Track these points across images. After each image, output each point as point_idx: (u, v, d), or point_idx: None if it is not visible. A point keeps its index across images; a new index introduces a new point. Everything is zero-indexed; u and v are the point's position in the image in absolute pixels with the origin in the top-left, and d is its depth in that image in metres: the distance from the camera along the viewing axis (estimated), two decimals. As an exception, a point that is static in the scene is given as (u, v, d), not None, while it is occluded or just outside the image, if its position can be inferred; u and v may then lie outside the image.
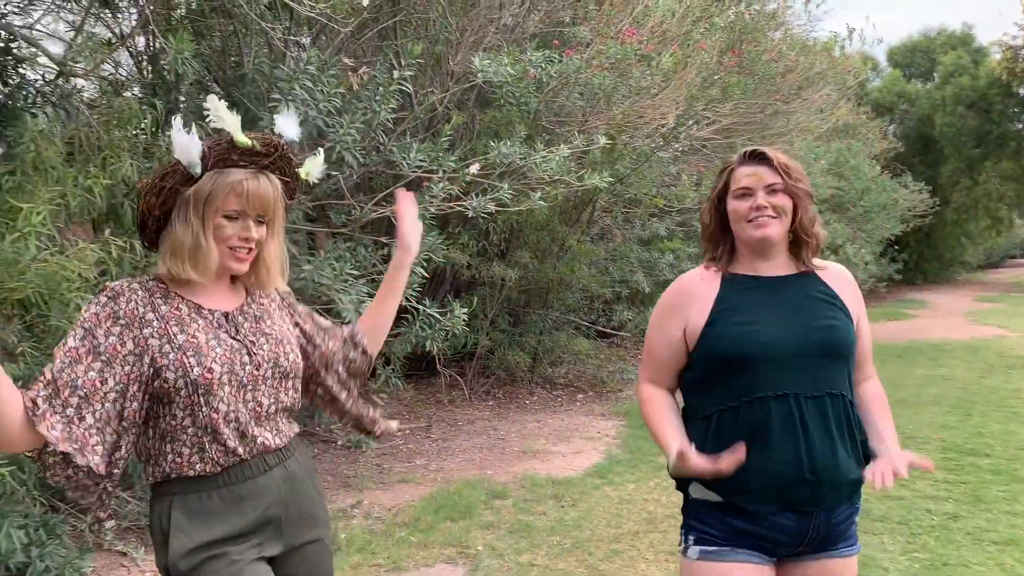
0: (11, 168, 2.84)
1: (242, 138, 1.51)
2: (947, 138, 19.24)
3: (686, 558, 1.76)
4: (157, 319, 1.50)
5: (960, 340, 10.53)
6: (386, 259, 5.14)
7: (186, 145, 1.50)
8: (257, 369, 1.56)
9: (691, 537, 1.76)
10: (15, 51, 4.14)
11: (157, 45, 4.96)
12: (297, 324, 1.73)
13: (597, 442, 5.69)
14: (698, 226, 6.87)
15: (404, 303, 4.93)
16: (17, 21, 4.33)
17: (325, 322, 1.81)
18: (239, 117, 1.54)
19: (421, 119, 6.03)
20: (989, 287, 20.87)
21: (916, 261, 19.90)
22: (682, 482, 1.80)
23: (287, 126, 1.64)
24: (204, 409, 1.50)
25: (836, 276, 1.83)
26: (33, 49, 4.08)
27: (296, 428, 1.69)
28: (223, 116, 1.52)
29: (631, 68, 6.20)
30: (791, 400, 1.67)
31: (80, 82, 4.67)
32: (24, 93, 4.15)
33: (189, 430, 1.51)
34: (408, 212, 1.85)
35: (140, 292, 1.52)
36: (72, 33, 4.51)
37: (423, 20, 6.23)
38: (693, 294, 1.79)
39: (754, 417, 1.68)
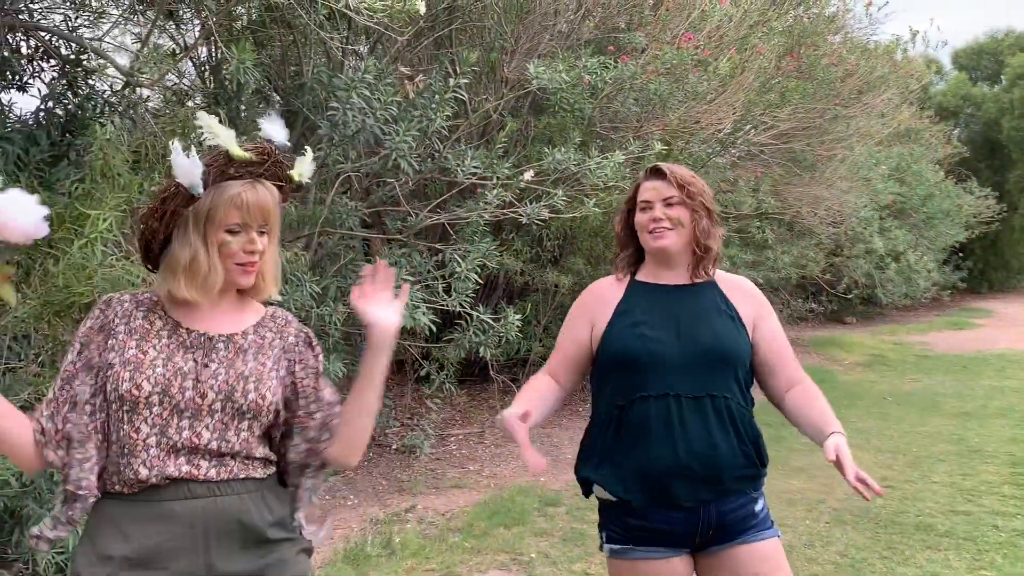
0: (80, 176, 2.93)
1: (239, 152, 1.48)
2: (1015, 142, 18.65)
3: (604, 555, 1.90)
4: (125, 332, 1.49)
5: (1029, 351, 10.19)
6: (440, 265, 5.17)
7: (188, 168, 1.46)
8: (201, 398, 1.46)
9: (603, 535, 1.89)
10: (84, 63, 4.28)
11: (219, 55, 5.08)
12: (293, 373, 1.58)
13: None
14: (755, 233, 6.83)
15: (459, 309, 4.95)
16: (87, 34, 4.48)
17: (328, 395, 1.62)
18: (232, 131, 1.51)
19: (475, 126, 6.06)
20: (1059, 296, 20.17)
21: (981, 269, 19.29)
22: (585, 486, 1.93)
23: (274, 131, 1.57)
24: (125, 427, 1.44)
25: (733, 287, 1.95)
26: (101, 61, 4.21)
27: (256, 469, 1.52)
28: (217, 131, 1.48)
29: (687, 73, 6.14)
30: (671, 400, 1.78)
31: (145, 92, 4.81)
32: (93, 103, 4.29)
33: (113, 444, 1.45)
34: (378, 283, 1.63)
35: (128, 304, 1.52)
36: (138, 45, 4.65)
37: (478, 28, 6.26)
38: (602, 298, 1.95)
39: (637, 416, 1.81)
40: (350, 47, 5.06)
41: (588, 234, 7.14)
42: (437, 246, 5.31)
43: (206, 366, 1.48)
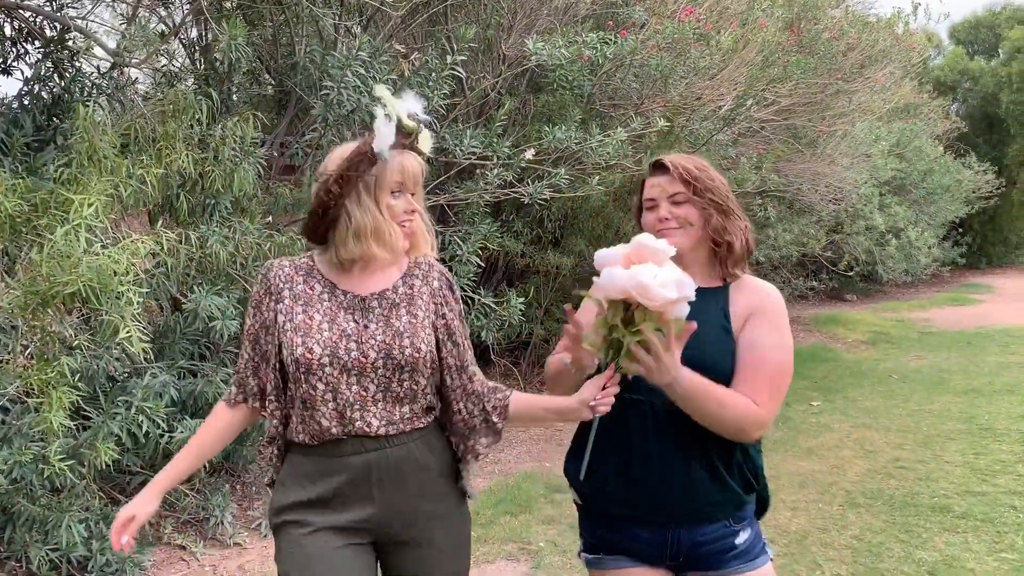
0: (66, 160, 2.80)
1: (410, 124, 1.61)
2: (1013, 116, 18.49)
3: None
4: (289, 296, 1.66)
5: (1032, 326, 10.11)
6: (439, 247, 5.05)
7: (386, 135, 1.59)
8: (364, 357, 1.62)
9: (580, 542, 1.82)
10: (70, 44, 4.14)
11: (209, 36, 4.93)
12: (444, 316, 1.73)
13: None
14: (758, 211, 6.66)
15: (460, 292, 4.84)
16: (72, 12, 4.33)
17: (465, 363, 1.76)
18: (400, 103, 1.62)
19: (473, 105, 5.92)
20: (1058, 271, 20.10)
21: (980, 244, 19.18)
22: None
23: (416, 106, 1.66)
24: (304, 386, 1.62)
25: (743, 287, 1.72)
26: (88, 41, 4.06)
27: (423, 421, 1.69)
28: (392, 104, 1.60)
29: (689, 48, 6.00)
30: (646, 407, 1.63)
31: (135, 74, 4.66)
32: (80, 86, 4.15)
33: (297, 402, 1.64)
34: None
35: (287, 268, 1.69)
36: (125, 25, 4.49)
37: (474, 4, 6.10)
38: None
39: (616, 417, 1.62)
40: (344, 23, 4.91)
41: (589, 214, 7.02)
42: (437, 228, 5.19)
43: (365, 327, 1.64)
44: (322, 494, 1.64)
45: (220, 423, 1.73)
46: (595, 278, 1.50)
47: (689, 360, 1.57)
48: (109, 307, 2.38)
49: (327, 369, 1.61)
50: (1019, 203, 19.28)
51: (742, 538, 1.68)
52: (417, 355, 1.64)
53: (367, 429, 1.63)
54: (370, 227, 1.61)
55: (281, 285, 1.67)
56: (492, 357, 6.62)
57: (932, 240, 13.48)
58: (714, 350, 1.63)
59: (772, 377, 1.63)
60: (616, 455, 1.66)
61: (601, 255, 1.54)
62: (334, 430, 1.62)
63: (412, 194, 1.67)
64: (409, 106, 1.64)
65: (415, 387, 1.66)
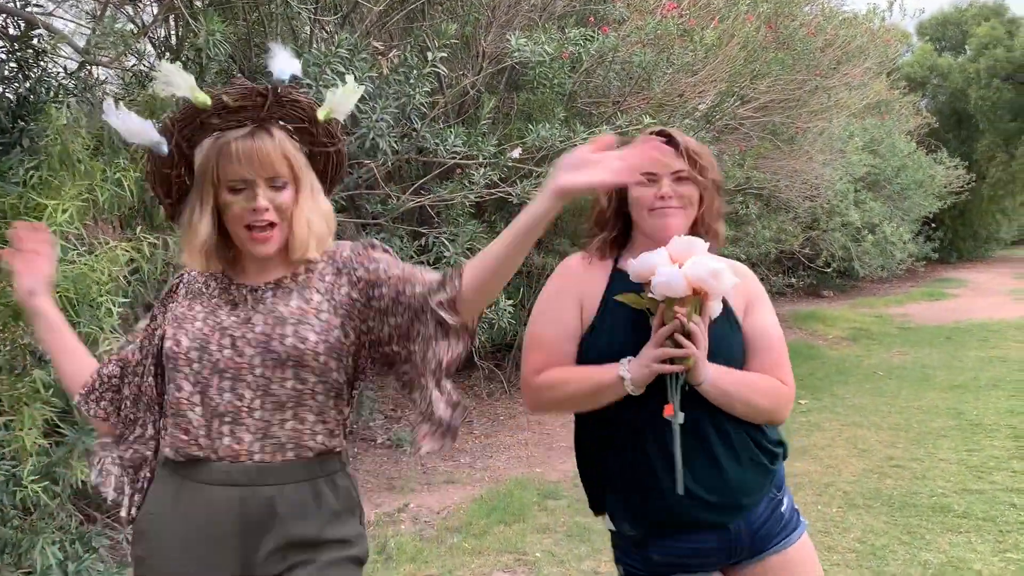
0: (36, 163, 2.64)
1: (201, 97, 1.28)
2: (982, 112, 18.73)
3: None
4: (183, 294, 1.42)
5: (1009, 320, 10.17)
6: (422, 249, 4.92)
7: (128, 126, 1.32)
8: (239, 355, 1.32)
9: (620, 569, 1.66)
10: (35, 42, 3.96)
11: (180, 34, 4.76)
12: (355, 283, 1.39)
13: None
14: (740, 208, 6.57)
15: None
16: (37, 10, 4.14)
17: (421, 275, 1.39)
18: (191, 76, 1.31)
19: (452, 104, 5.80)
20: (1026, 264, 20.37)
21: (951, 239, 19.39)
22: (597, 510, 1.69)
23: (279, 62, 1.33)
24: (171, 385, 1.36)
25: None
26: (53, 39, 3.88)
27: (311, 451, 1.35)
28: (172, 79, 1.28)
29: (673, 44, 5.92)
30: (691, 416, 1.53)
31: (103, 74, 4.48)
32: (46, 86, 3.97)
33: (168, 409, 1.38)
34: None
35: (195, 271, 1.43)
36: (92, 24, 4.32)
37: (452, 0, 5.99)
38: (583, 278, 1.64)
39: (646, 437, 1.55)
40: (320, 18, 4.77)
41: (572, 214, 6.91)
42: (420, 230, 5.06)
43: (248, 320, 1.35)
44: (179, 529, 1.34)
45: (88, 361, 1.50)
46: (654, 280, 1.47)
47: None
48: (87, 318, 2.23)
49: (195, 366, 1.34)
50: (988, 198, 19.55)
51: (784, 505, 1.64)
52: (301, 346, 1.32)
53: (236, 447, 1.32)
54: (184, 226, 1.36)
55: (181, 286, 1.44)
56: (476, 360, 6.50)
57: (907, 235, 13.56)
58: (723, 342, 1.57)
59: (784, 355, 1.65)
60: (661, 474, 1.54)
61: (643, 262, 1.50)
62: (199, 444, 1.33)
63: (278, 186, 1.33)
64: (274, 62, 1.33)
65: (300, 387, 1.34)
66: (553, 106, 5.64)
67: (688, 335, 1.47)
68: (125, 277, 3.09)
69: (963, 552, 3.41)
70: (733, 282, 1.49)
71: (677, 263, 1.47)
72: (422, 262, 4.88)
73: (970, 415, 5.65)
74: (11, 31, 3.99)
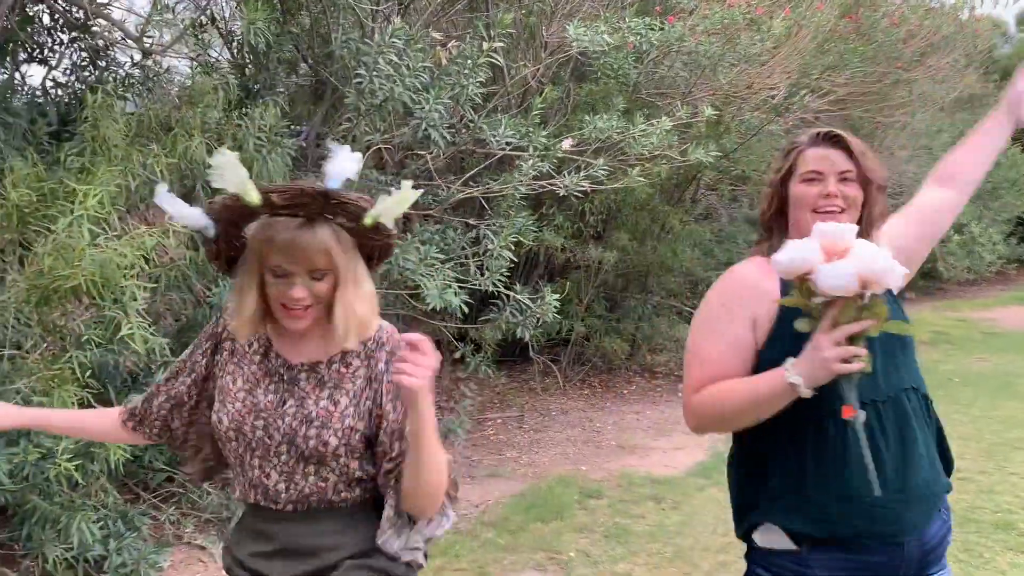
0: (78, 149, 2.71)
1: (253, 196, 1.32)
2: (1086, 107, 17.71)
3: None
4: (229, 350, 1.52)
5: (1104, 327, 9.59)
6: (475, 241, 4.90)
7: (178, 212, 1.39)
8: (269, 438, 1.44)
9: None
10: (101, 32, 4.07)
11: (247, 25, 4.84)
12: (380, 406, 1.45)
13: (700, 437, 5.32)
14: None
15: (493, 288, 4.68)
16: (114, 7, 4.27)
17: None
18: (246, 171, 1.33)
19: (513, 94, 5.75)
20: None
21: (1049, 241, 18.44)
22: (745, 524, 1.54)
23: (337, 168, 1.39)
24: (225, 450, 1.52)
25: None
26: (112, 28, 3.99)
27: (347, 497, 1.47)
28: (226, 174, 1.31)
29: (739, 34, 5.74)
30: (868, 409, 1.42)
31: (172, 65, 4.60)
32: (113, 75, 4.08)
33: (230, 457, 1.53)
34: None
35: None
36: (155, 12, 4.42)
37: (516, -11, 5.93)
38: (757, 289, 1.53)
39: (835, 434, 1.44)
40: (380, 8, 4.77)
41: (633, 207, 6.81)
42: (472, 222, 5.03)
43: (283, 402, 1.45)
44: (252, 551, 1.51)
45: (107, 421, 1.66)
46: (814, 279, 1.35)
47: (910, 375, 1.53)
48: (112, 302, 2.27)
49: (232, 444, 1.47)
50: (1091, 198, 18.45)
51: (948, 524, 1.59)
52: (324, 449, 1.41)
53: (272, 504, 1.47)
54: (235, 294, 1.44)
55: (227, 335, 1.53)
56: (531, 355, 6.45)
57: (997, 237, 12.94)
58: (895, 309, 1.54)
59: None
60: (853, 473, 1.42)
61: (791, 258, 1.38)
62: (248, 500, 1.50)
63: (318, 278, 1.39)
64: (332, 164, 1.38)
65: (322, 484, 1.45)
66: (615, 97, 5.55)
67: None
68: (169, 262, 3.16)
69: (1023, 574, 3.21)
70: (902, 271, 1.37)
71: (833, 255, 1.36)
72: (476, 253, 4.85)
73: (1049, 426, 5.34)
74: (84, 22, 4.13)
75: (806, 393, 1.38)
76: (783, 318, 1.48)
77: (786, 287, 1.49)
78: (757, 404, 1.44)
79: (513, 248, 4.70)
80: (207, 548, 3.48)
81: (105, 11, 3.93)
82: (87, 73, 4.15)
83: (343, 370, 1.46)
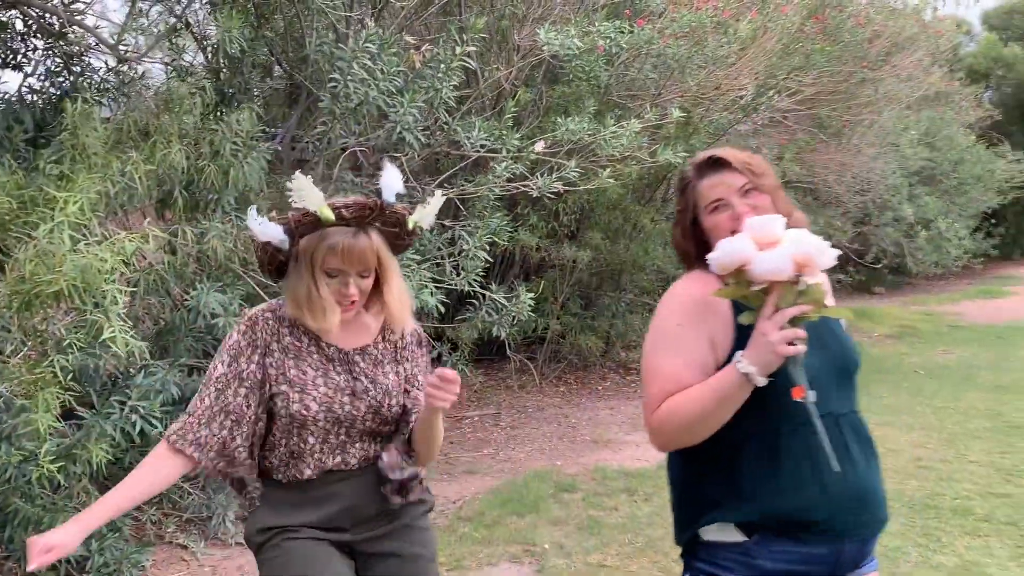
0: (57, 156, 2.76)
1: (328, 214, 1.59)
2: (1048, 104, 18.08)
3: None
4: (279, 350, 1.69)
5: (1066, 319, 9.84)
6: (451, 242, 4.97)
7: (266, 233, 1.63)
8: (356, 411, 1.70)
9: None
10: (75, 37, 4.10)
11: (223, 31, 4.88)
12: (407, 371, 1.79)
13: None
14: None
15: (468, 288, 4.77)
16: (80, 6, 4.29)
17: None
18: (321, 194, 1.60)
19: (487, 97, 5.84)
20: (1095, 262, 19.61)
21: (1014, 235, 18.74)
22: (690, 521, 1.55)
23: (388, 181, 1.67)
24: (295, 439, 1.69)
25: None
26: (84, 35, 4.02)
27: (388, 452, 1.76)
28: (306, 195, 1.58)
29: (707, 36, 5.86)
30: (829, 421, 1.46)
31: (147, 71, 4.63)
32: (88, 81, 4.12)
33: (281, 449, 1.71)
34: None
35: (272, 321, 1.71)
36: (131, 20, 4.46)
37: (488, -7, 6.01)
38: (710, 306, 1.53)
39: (802, 440, 1.46)
40: (352, 15, 4.84)
41: (606, 207, 6.92)
42: (448, 223, 5.11)
43: (356, 380, 1.72)
44: (302, 521, 1.72)
45: (161, 466, 1.66)
46: (751, 268, 1.39)
47: (840, 353, 1.55)
48: (93, 306, 2.33)
49: (321, 423, 1.68)
50: (1055, 193, 18.82)
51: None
52: (400, 411, 1.75)
53: (344, 467, 1.72)
54: (302, 296, 1.65)
55: (269, 339, 1.70)
56: (507, 353, 6.54)
57: (963, 231, 13.18)
58: (850, 343, 1.57)
59: None
60: (823, 474, 1.45)
61: (726, 254, 1.43)
62: (313, 475, 1.71)
63: (363, 275, 1.67)
64: (385, 183, 1.66)
65: (391, 433, 1.77)
66: (586, 99, 5.64)
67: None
68: (146, 267, 3.22)
69: (979, 556, 3.34)
70: (834, 254, 1.42)
71: (766, 245, 1.41)
72: (451, 253, 4.93)
73: (1009, 417, 5.50)
74: (57, 27, 4.16)
75: (760, 382, 1.39)
76: (740, 336, 1.48)
77: (735, 305, 1.51)
78: (717, 404, 1.44)
79: (488, 248, 4.78)
80: (189, 547, 3.54)
81: (78, 18, 3.96)
82: (61, 79, 4.18)
83: (389, 345, 1.78)
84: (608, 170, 5.02)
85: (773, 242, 1.41)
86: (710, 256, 1.45)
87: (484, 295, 5.02)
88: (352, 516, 1.75)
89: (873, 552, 1.58)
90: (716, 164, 1.57)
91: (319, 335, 1.72)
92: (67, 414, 3.02)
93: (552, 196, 4.98)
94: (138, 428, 3.01)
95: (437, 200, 1.73)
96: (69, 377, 2.78)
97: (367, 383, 1.72)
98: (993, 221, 15.89)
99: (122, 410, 3.01)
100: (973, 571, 3.21)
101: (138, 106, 3.73)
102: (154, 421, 3.04)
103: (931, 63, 10.50)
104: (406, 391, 1.77)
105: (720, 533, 1.51)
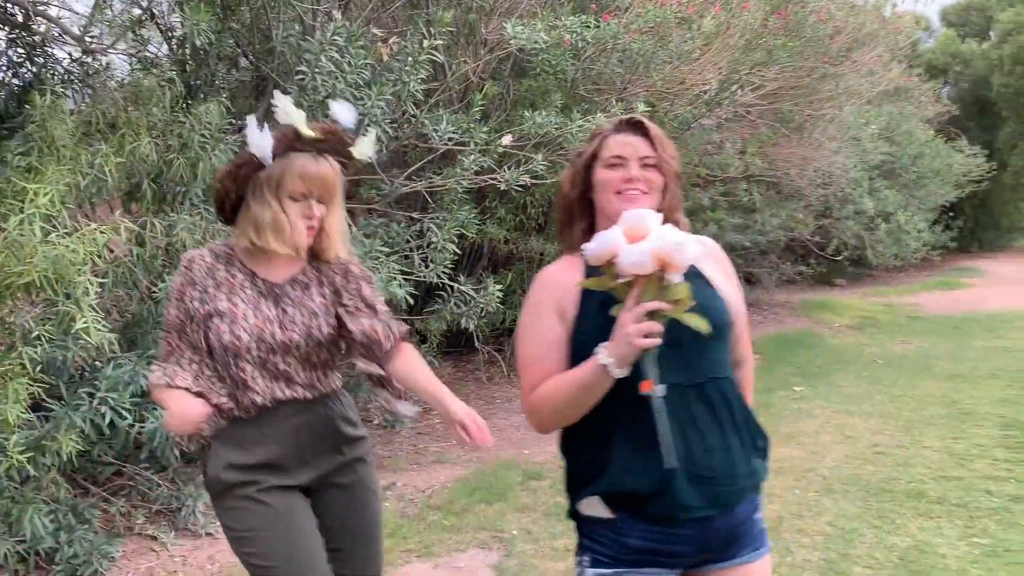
0: (25, 149, 2.76)
1: (308, 131, 1.73)
2: (1005, 99, 18.47)
3: None
4: (213, 286, 1.79)
5: (1020, 310, 10.12)
6: (419, 234, 5.01)
7: (260, 141, 1.73)
8: (288, 340, 1.79)
9: (586, 559, 1.59)
10: (37, 28, 4.07)
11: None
12: (340, 296, 1.88)
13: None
14: (743, 196, 6.55)
15: (437, 280, 4.81)
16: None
17: (374, 304, 1.91)
18: (304, 113, 1.74)
19: (454, 90, 5.87)
20: (1049, 254, 20.14)
21: (971, 228, 19.19)
22: (572, 495, 1.64)
23: (342, 113, 1.82)
24: (233, 369, 1.77)
25: (706, 252, 1.65)
26: (48, 26, 4.00)
27: (334, 382, 1.91)
28: (290, 112, 1.73)
29: (671, 32, 5.95)
30: (674, 392, 1.48)
31: (111, 62, 4.60)
32: (51, 72, 4.09)
33: (226, 381, 1.80)
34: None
35: (208, 259, 1.82)
36: (97, 10, 4.43)
37: (455, -13, 6.04)
38: (560, 280, 1.60)
39: (641, 414, 1.49)
40: (320, 8, 4.84)
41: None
42: (416, 215, 5.15)
43: (285, 311, 1.81)
44: (260, 458, 1.81)
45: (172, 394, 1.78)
46: (618, 261, 1.41)
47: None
48: (65, 298, 2.34)
49: (254, 352, 1.77)
50: (1010, 187, 19.28)
51: (760, 512, 1.62)
52: (332, 332, 1.84)
53: (294, 396, 1.82)
54: (267, 221, 1.75)
55: (204, 276, 1.79)
56: (476, 345, 6.59)
57: (922, 224, 13.45)
58: (712, 306, 1.55)
59: (745, 326, 1.64)
60: (660, 449, 1.49)
61: (599, 244, 1.44)
62: (267, 403, 1.79)
63: (321, 201, 1.78)
64: (339, 112, 1.81)
65: (330, 357, 1.88)
66: (553, 93, 5.70)
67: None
68: (114, 259, 3.22)
69: (931, 536, 3.47)
70: (697, 252, 1.44)
71: (636, 238, 1.42)
72: (420, 245, 4.97)
73: (963, 404, 5.68)
74: (20, 18, 4.13)
75: (618, 374, 1.43)
76: (585, 299, 1.56)
77: (592, 272, 1.54)
78: (582, 391, 1.49)
79: (456, 241, 4.83)
80: (159, 538, 3.55)
81: (42, 8, 3.93)
82: (24, 70, 4.15)
83: (318, 274, 1.87)
84: (575, 163, 5.08)
85: (643, 237, 1.42)
86: (585, 247, 1.47)
87: (452, 287, 5.07)
88: (310, 450, 1.85)
89: (760, 536, 1.61)
90: (634, 128, 1.62)
91: (255, 271, 1.82)
92: (36, 406, 3.02)
93: (520, 189, 5.03)
94: (108, 420, 3.02)
95: (371, 136, 1.87)
96: (38, 369, 2.79)
97: (295, 311, 1.81)
98: (951, 214, 16.24)
99: (91, 402, 3.02)
100: (925, 551, 3.33)
101: (104, 98, 3.72)
102: (124, 413, 3.05)
103: (891, 59, 10.70)
104: (339, 315, 1.86)
105: (592, 508, 1.57)
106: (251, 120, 1.72)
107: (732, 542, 1.57)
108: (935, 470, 4.30)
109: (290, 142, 1.74)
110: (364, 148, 1.85)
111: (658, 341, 1.40)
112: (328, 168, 1.77)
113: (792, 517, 3.71)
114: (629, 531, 1.53)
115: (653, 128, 1.62)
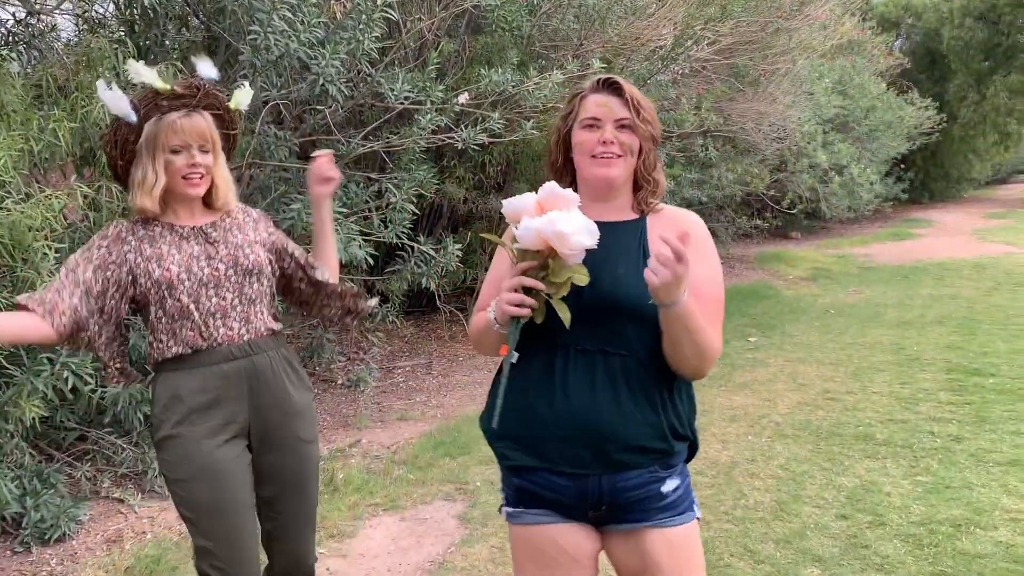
0: (-27, 113, 2.72)
1: (162, 84, 1.79)
2: (954, 52, 18.75)
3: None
4: (134, 239, 1.86)
5: (967, 258, 10.42)
6: (378, 194, 5.02)
7: (114, 100, 1.80)
8: (215, 270, 1.88)
9: (502, 498, 1.69)
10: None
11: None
12: (272, 234, 2.03)
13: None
14: (699, 151, 6.62)
15: (397, 240, 4.83)
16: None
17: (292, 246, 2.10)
18: (154, 70, 1.82)
19: (410, 48, 5.83)
20: (997, 204, 20.63)
21: (922, 180, 19.60)
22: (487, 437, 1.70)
23: (204, 68, 1.92)
24: (169, 301, 1.85)
25: (666, 223, 1.63)
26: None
27: (274, 325, 1.98)
28: (140, 72, 1.81)
29: (626, -13, 5.96)
30: (559, 351, 1.56)
31: (56, 23, 4.49)
32: (-6, 34, 3.99)
33: (163, 320, 1.87)
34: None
35: (127, 223, 1.90)
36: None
37: (408, -57, 5.96)
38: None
39: (530, 366, 1.57)
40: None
41: (531, 158, 7.00)
42: (374, 176, 5.15)
43: (211, 245, 1.90)
44: (201, 403, 1.87)
45: (11, 317, 1.76)
46: (513, 229, 1.47)
47: (605, 293, 1.53)
48: (24, 263, 2.34)
49: (186, 284, 1.85)
50: (960, 138, 19.66)
51: (669, 486, 1.58)
52: (259, 260, 1.94)
53: (230, 334, 1.89)
54: (137, 179, 1.84)
55: (124, 232, 1.87)
56: (438, 304, 6.64)
57: (874, 176, 13.71)
58: (632, 286, 1.53)
59: (717, 313, 1.59)
60: (533, 402, 1.57)
61: (511, 204, 1.50)
62: (201, 340, 1.86)
63: (206, 151, 1.87)
64: (201, 67, 1.91)
65: (262, 289, 1.96)
66: (509, 50, 5.69)
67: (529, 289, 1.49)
68: (70, 224, 3.20)
69: (877, 476, 3.63)
70: (582, 246, 1.44)
71: (543, 211, 1.45)
72: (379, 206, 4.98)
73: (910, 350, 5.88)
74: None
75: (497, 328, 1.55)
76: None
77: None
78: (481, 333, 1.64)
79: (415, 201, 4.84)
80: (126, 501, 3.58)
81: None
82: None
83: (236, 218, 1.98)
84: (532, 121, 5.11)
85: (543, 212, 1.45)
86: (505, 200, 1.53)
87: (412, 247, 5.09)
88: (249, 395, 1.91)
89: (668, 508, 1.59)
90: (611, 88, 1.62)
91: (172, 222, 1.90)
92: (-4, 373, 3.02)
93: (477, 148, 5.04)
94: (70, 385, 3.03)
95: (247, 89, 1.99)
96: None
97: (219, 245, 1.90)
98: (903, 166, 16.57)
99: (53, 367, 3.02)
100: (871, 489, 3.49)
101: (53, 61, 3.65)
102: (86, 377, 3.06)
103: (843, 12, 10.80)
104: (276, 251, 2.00)
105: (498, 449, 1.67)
106: (100, 84, 1.79)
107: (627, 506, 1.57)
108: (882, 414, 4.48)
109: (154, 100, 1.81)
110: (241, 98, 1.96)
111: (526, 312, 1.48)
112: (201, 120, 1.85)
113: (746, 462, 3.85)
114: (519, 473, 1.61)
115: (630, 89, 1.61)
